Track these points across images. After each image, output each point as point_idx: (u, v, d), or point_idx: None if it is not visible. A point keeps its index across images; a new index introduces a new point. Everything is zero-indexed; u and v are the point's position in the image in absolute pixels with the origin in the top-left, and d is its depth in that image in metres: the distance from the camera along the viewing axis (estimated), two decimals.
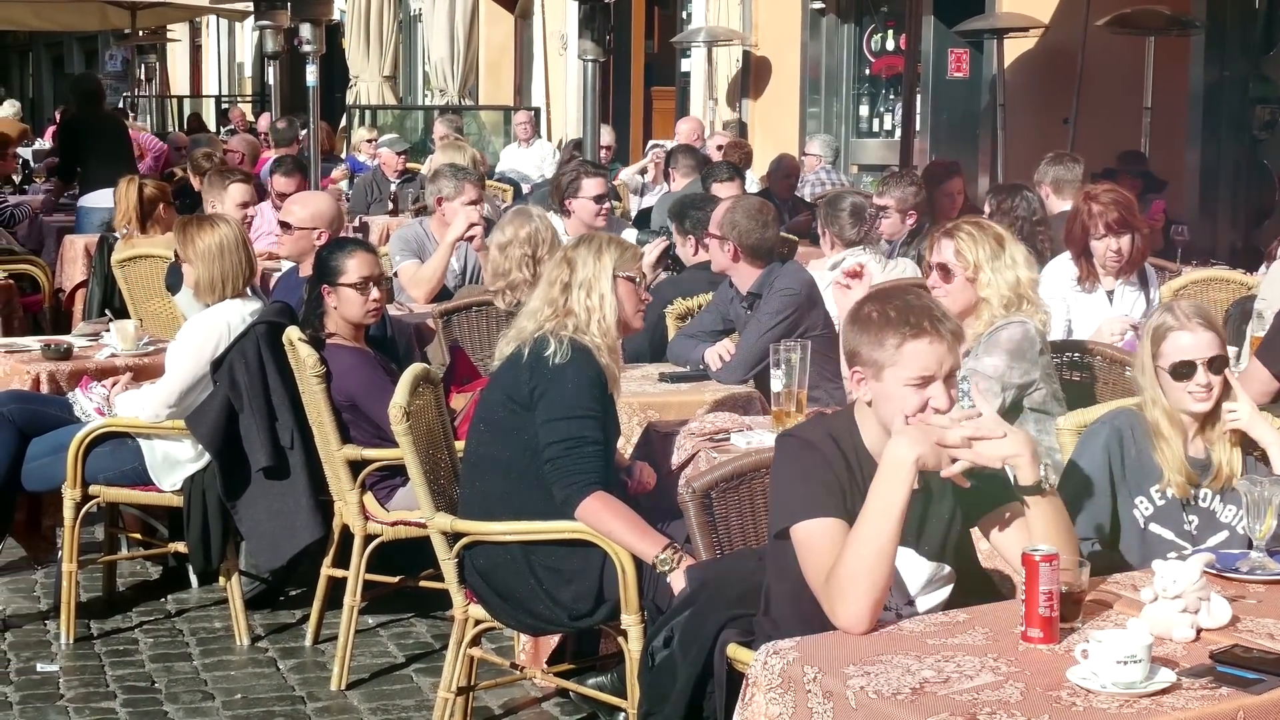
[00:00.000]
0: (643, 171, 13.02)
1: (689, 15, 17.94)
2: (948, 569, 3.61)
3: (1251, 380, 5.19)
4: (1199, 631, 3.30)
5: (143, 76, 25.30)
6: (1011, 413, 5.06)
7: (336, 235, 6.92)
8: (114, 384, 6.15)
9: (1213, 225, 11.96)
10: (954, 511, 3.62)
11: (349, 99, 21.66)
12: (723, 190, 8.64)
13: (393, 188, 12.66)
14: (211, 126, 24.05)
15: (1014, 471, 3.50)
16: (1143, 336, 4.23)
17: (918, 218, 8.30)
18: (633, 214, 11.42)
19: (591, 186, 8.07)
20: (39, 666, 5.68)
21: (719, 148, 12.59)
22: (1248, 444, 4.21)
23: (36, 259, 10.41)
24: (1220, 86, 11.96)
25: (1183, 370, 4.09)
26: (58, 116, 22.43)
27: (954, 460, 3.41)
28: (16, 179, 15.03)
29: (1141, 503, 4.12)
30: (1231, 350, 5.67)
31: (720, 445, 5.01)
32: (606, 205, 8.23)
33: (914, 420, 3.46)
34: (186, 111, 28.10)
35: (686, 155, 11.25)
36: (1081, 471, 4.16)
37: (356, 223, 10.41)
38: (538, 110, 19.13)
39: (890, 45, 15.75)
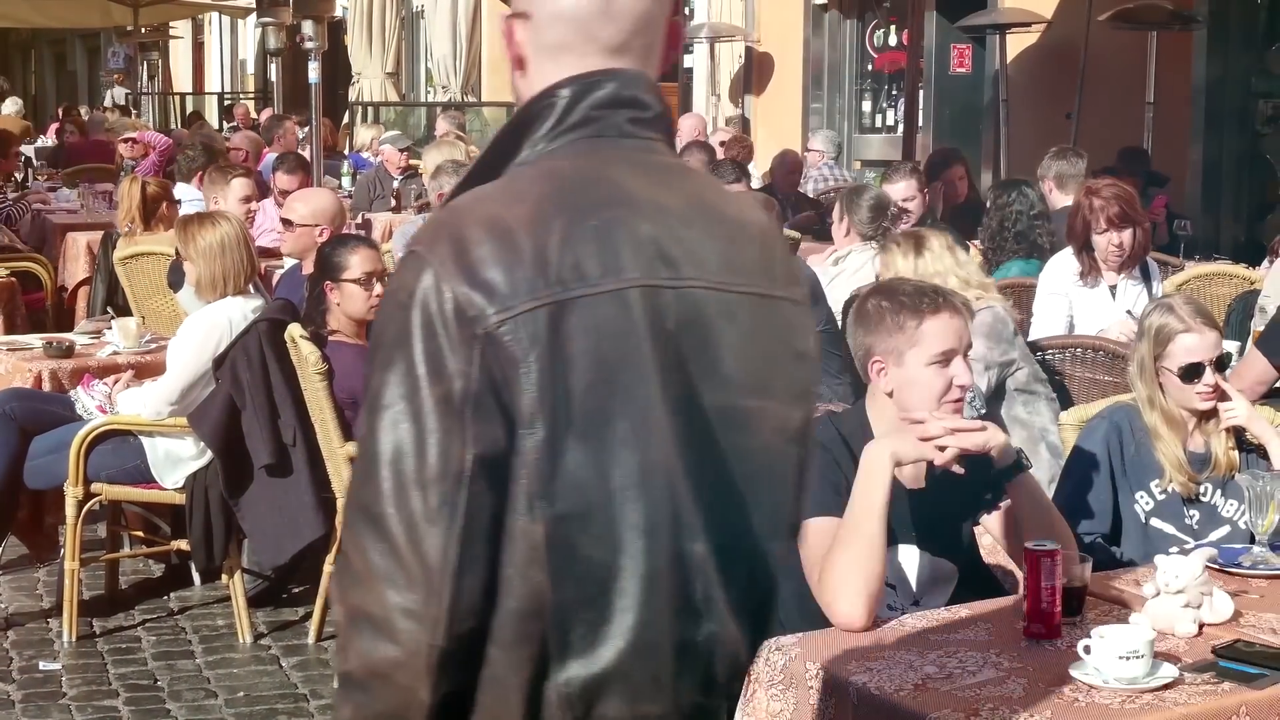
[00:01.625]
0: None
1: (691, 11, 17.93)
2: (951, 566, 3.61)
3: (1249, 368, 5.18)
4: (1201, 627, 3.29)
5: (145, 74, 25.31)
6: (997, 395, 5.09)
7: (338, 232, 6.91)
8: (116, 381, 6.15)
9: (1216, 220, 11.95)
10: (956, 509, 3.62)
11: (351, 96, 21.67)
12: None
13: (395, 184, 12.66)
14: (214, 124, 24.06)
15: (995, 455, 3.52)
16: (1141, 337, 4.21)
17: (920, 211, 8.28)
18: None
19: None
20: (41, 665, 5.68)
21: (721, 144, 12.58)
22: (1242, 432, 4.21)
23: (39, 256, 10.41)
24: (1223, 81, 11.95)
25: (1192, 372, 4.08)
26: (60, 114, 22.49)
27: (942, 450, 3.42)
28: (19, 176, 15.02)
29: (1142, 497, 4.12)
30: (1235, 345, 5.68)
31: None
32: None
33: (941, 408, 3.47)
34: (189, 109, 28.13)
35: (699, 150, 11.24)
36: (1081, 467, 4.16)
37: (359, 219, 10.42)
38: None
39: (893, 40, 15.74)
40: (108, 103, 26.08)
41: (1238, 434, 4.18)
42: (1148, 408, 4.13)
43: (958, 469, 3.46)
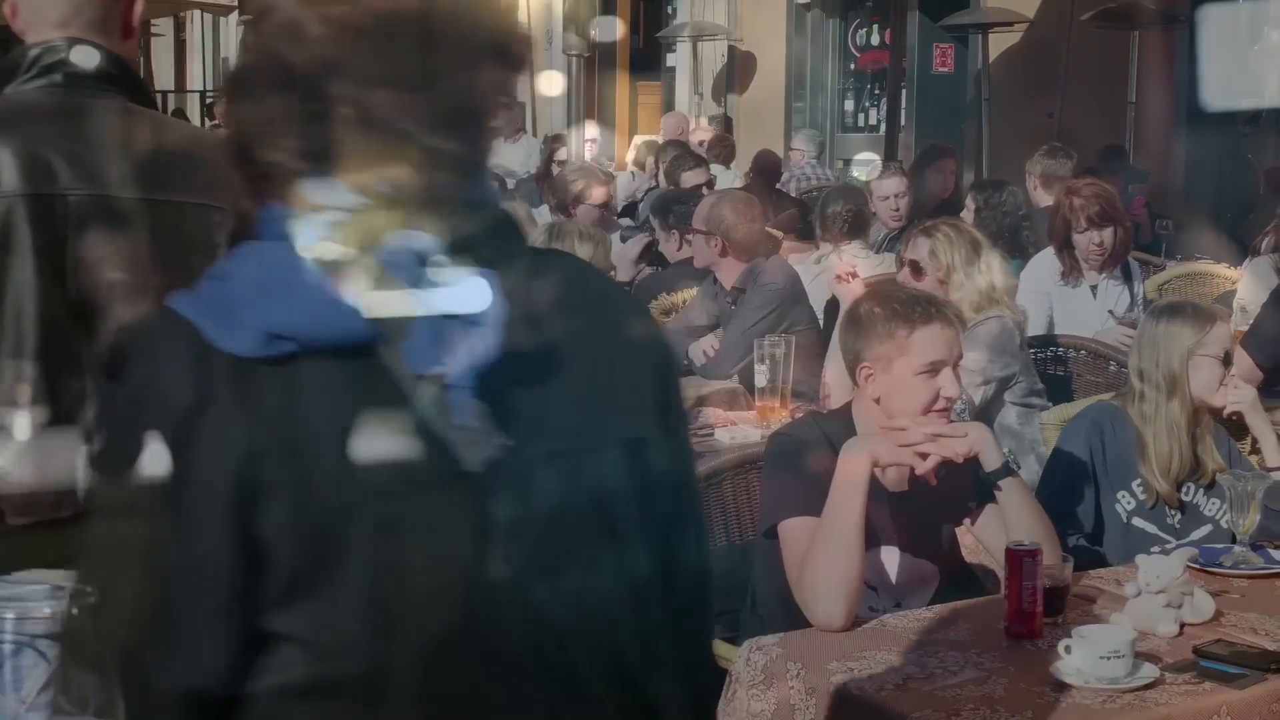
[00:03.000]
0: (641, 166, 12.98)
1: (674, 9, 17.94)
2: (932, 568, 3.61)
3: (1235, 368, 5.20)
4: (1182, 626, 3.29)
5: None
6: (994, 406, 5.06)
7: None
8: None
9: (1197, 220, 11.97)
10: (939, 512, 3.62)
11: None
12: (690, 179, 8.62)
13: None
14: (197, 122, 23.98)
15: (980, 459, 3.51)
16: (1163, 340, 4.13)
17: (909, 209, 8.27)
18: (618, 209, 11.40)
19: (600, 195, 8.07)
20: None
21: (701, 142, 12.57)
22: (1219, 438, 4.21)
23: None
24: (1205, 81, 11.97)
25: (1226, 359, 4.09)
26: None
27: (924, 457, 3.42)
28: None
29: (1124, 497, 4.12)
30: None
31: (704, 441, 5.00)
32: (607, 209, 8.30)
33: (926, 416, 3.46)
34: (171, 107, 28.04)
35: (672, 149, 11.24)
36: (1063, 467, 4.15)
37: None
38: (523, 104, 19.10)
39: (875, 40, 15.75)
40: None
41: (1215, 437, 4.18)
42: (1151, 418, 4.07)
43: (932, 480, 3.46)
